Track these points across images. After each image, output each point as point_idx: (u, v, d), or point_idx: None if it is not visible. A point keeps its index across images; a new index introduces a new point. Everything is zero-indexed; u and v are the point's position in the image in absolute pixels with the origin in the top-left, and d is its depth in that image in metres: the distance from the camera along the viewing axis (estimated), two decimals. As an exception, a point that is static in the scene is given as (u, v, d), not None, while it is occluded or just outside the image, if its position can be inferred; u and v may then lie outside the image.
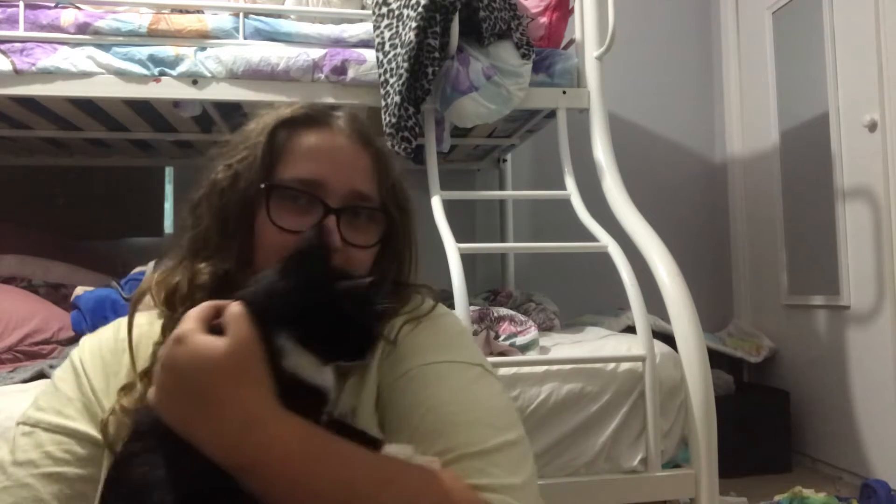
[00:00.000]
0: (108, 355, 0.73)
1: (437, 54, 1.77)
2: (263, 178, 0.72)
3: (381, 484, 0.58)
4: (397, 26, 1.82)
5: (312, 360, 0.61)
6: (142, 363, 0.70)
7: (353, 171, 0.74)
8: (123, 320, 0.74)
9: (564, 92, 2.02)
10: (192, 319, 0.58)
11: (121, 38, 1.83)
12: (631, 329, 1.87)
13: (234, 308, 0.59)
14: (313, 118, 0.76)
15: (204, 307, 0.60)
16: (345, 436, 0.60)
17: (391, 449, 0.63)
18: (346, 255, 0.71)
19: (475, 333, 1.62)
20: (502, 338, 1.68)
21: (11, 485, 0.65)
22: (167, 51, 1.84)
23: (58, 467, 0.66)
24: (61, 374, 0.73)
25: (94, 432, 0.68)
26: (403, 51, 1.77)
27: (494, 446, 0.64)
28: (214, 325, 0.59)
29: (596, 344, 1.75)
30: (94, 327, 1.87)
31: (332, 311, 0.61)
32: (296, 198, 0.71)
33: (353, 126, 0.77)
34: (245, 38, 1.88)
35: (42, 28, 1.82)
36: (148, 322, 0.73)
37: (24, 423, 0.69)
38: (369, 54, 1.88)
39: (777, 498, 2.11)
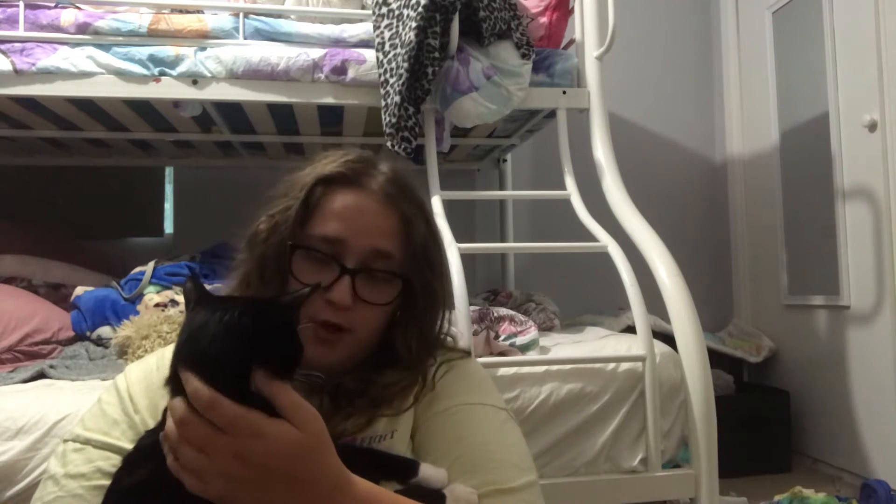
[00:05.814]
0: (154, 375, 0.79)
1: (437, 54, 1.77)
2: (296, 232, 0.78)
3: None
4: (397, 26, 1.82)
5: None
6: None
7: (375, 232, 0.78)
8: (166, 349, 0.80)
9: (564, 92, 2.02)
10: (248, 412, 0.56)
11: (121, 38, 1.83)
12: (631, 329, 1.87)
13: (287, 393, 0.58)
14: (349, 178, 0.80)
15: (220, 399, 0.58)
16: (385, 459, 0.72)
17: (427, 470, 0.71)
18: (358, 309, 0.76)
19: (475, 333, 1.62)
20: (502, 338, 1.68)
21: (64, 495, 0.71)
22: (167, 51, 1.83)
23: (106, 480, 0.70)
24: (106, 397, 0.79)
25: None
26: (403, 51, 1.77)
27: (523, 485, 0.73)
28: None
29: (596, 344, 1.75)
30: (94, 327, 1.89)
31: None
32: (318, 253, 0.77)
33: (386, 189, 0.81)
34: (245, 38, 1.88)
35: (42, 28, 1.82)
36: None
37: (75, 441, 0.75)
38: (369, 54, 1.88)
39: (777, 498, 2.11)
